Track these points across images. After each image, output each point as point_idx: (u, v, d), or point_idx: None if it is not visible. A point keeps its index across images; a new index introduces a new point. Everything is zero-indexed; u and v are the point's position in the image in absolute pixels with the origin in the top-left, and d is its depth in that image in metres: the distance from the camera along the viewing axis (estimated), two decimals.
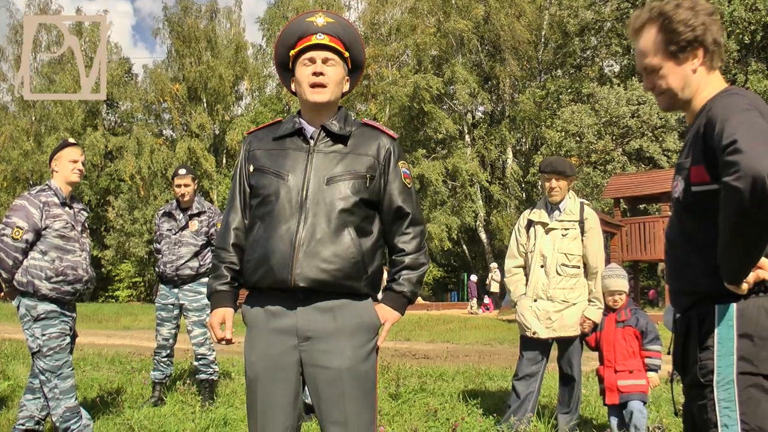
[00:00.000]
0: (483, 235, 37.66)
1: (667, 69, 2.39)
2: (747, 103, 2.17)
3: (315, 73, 2.68)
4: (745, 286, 2.16)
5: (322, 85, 2.69)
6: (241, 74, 44.38)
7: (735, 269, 2.14)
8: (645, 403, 5.03)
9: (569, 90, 33.57)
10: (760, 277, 2.17)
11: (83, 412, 4.70)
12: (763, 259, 2.16)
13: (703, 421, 2.27)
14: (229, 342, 2.71)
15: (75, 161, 4.81)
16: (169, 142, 43.54)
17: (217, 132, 43.27)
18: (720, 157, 2.05)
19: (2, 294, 4.70)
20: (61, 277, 4.55)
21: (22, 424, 4.82)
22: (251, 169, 2.78)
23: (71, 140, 5.02)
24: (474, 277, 28.98)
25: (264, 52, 46.96)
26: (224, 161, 43.38)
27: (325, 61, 2.70)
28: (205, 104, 42.34)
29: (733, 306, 2.22)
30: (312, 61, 2.70)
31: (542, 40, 37.24)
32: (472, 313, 25.00)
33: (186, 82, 41.65)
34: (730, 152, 1.98)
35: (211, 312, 2.76)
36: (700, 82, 2.37)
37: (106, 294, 42.99)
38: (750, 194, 1.92)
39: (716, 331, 2.24)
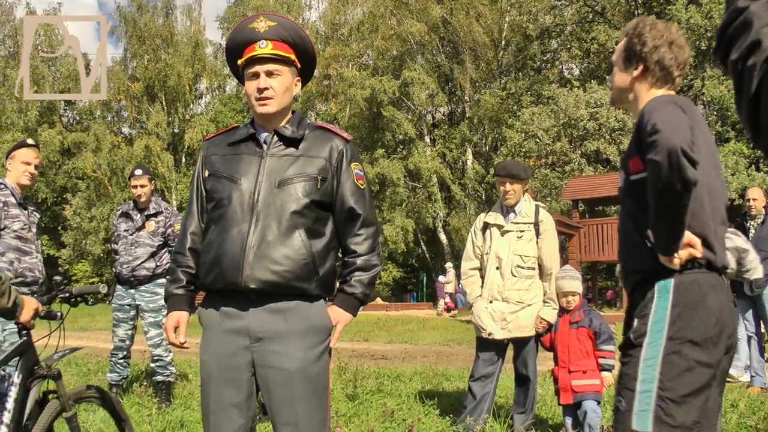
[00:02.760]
0: (442, 236, 37.73)
1: (616, 70, 2.75)
2: (669, 99, 2.46)
3: (259, 89, 2.71)
4: (677, 261, 2.38)
5: (268, 98, 2.72)
6: (200, 72, 43.80)
7: (664, 240, 2.36)
8: (599, 402, 5.08)
9: (529, 92, 33.77)
10: (692, 255, 2.38)
11: None
12: (694, 238, 2.38)
13: (624, 375, 2.44)
14: (182, 345, 2.75)
15: (28, 163, 4.67)
16: (128, 140, 42.89)
17: (176, 131, 42.69)
18: (644, 141, 2.32)
19: None
20: (19, 279, 4.47)
21: None
22: (207, 173, 2.82)
23: (30, 141, 4.87)
24: (442, 278, 28.85)
25: (224, 50, 46.08)
26: (183, 160, 42.82)
27: (269, 74, 2.72)
28: (163, 102, 41.70)
29: (671, 281, 2.42)
30: (256, 75, 2.72)
31: (502, 43, 37.39)
32: (439, 315, 24.37)
33: (144, 80, 41.00)
34: (650, 133, 2.30)
35: (166, 315, 2.79)
36: (641, 92, 2.64)
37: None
38: (668, 165, 2.21)
39: (654, 302, 2.44)
